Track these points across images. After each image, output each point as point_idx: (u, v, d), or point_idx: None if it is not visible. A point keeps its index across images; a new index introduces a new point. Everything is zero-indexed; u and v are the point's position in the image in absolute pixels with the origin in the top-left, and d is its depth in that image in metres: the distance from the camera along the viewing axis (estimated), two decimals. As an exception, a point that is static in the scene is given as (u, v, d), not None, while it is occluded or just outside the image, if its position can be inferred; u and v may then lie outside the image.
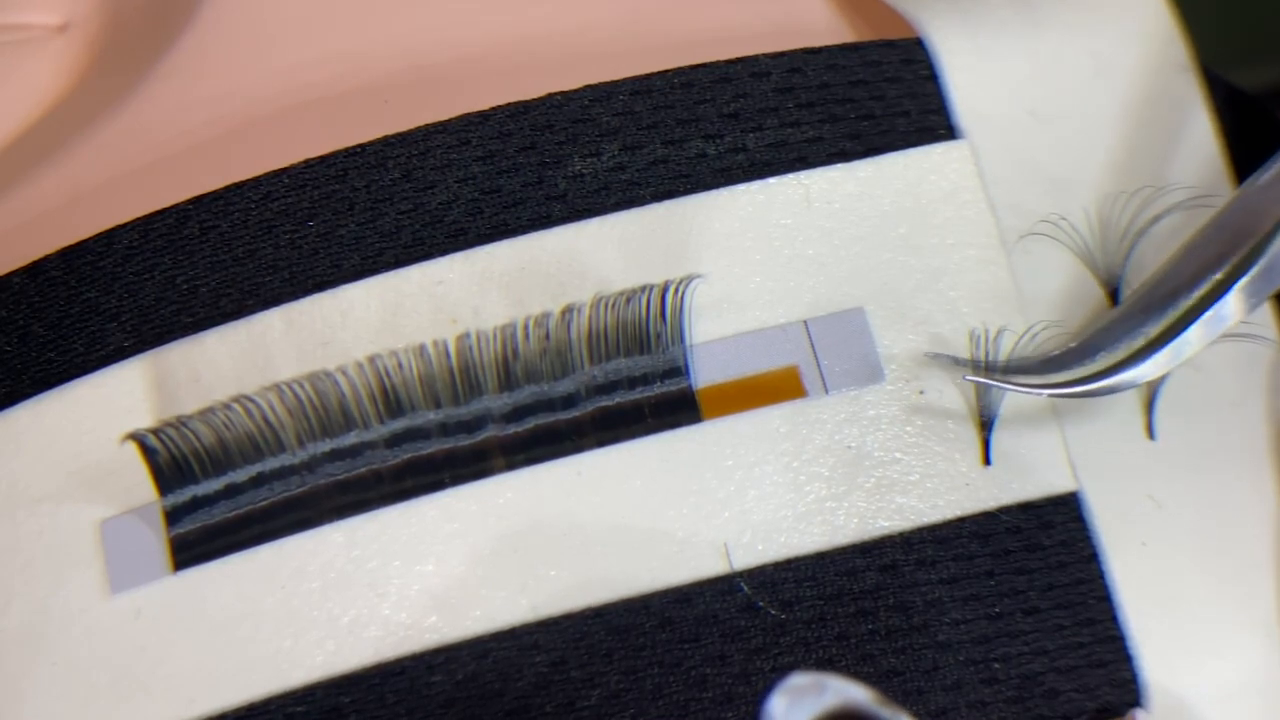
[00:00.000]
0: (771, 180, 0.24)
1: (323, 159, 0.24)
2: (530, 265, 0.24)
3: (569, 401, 0.23)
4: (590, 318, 0.23)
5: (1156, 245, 0.25)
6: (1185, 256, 0.23)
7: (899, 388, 0.24)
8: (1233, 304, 0.22)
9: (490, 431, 0.23)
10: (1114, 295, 0.25)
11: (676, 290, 0.23)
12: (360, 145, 0.24)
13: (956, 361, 0.23)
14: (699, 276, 0.23)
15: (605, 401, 0.23)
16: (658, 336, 0.23)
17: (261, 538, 0.23)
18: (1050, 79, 0.26)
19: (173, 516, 0.23)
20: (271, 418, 0.23)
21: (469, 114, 0.24)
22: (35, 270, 0.24)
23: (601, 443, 0.23)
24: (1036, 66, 0.26)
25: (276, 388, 0.23)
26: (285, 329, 0.23)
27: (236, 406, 0.23)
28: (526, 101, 0.24)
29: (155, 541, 0.23)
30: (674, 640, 0.23)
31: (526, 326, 0.23)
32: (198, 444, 0.23)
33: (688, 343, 0.23)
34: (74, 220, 0.24)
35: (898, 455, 0.23)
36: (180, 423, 0.23)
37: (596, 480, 0.23)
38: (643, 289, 0.23)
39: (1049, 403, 0.24)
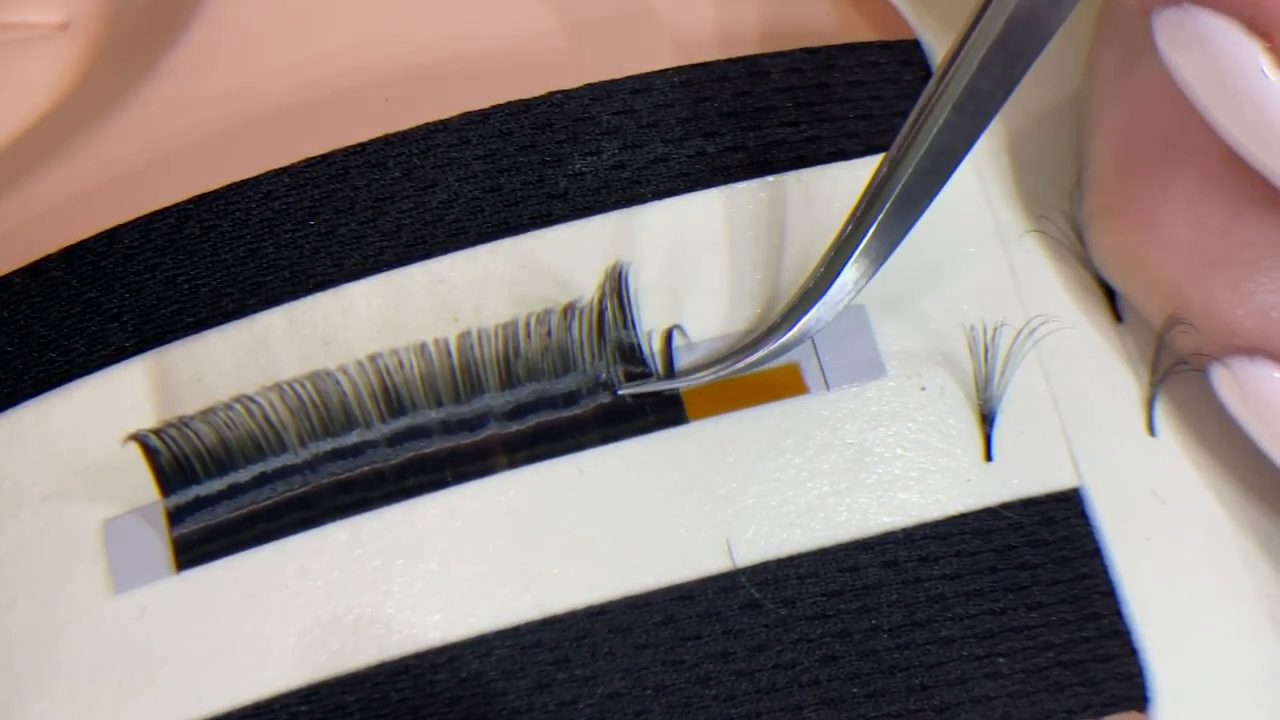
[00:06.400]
0: (771, 178, 0.24)
1: (323, 158, 0.24)
2: (532, 263, 0.24)
3: (571, 399, 0.23)
4: (591, 315, 0.23)
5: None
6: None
7: (900, 384, 0.24)
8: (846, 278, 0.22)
9: (492, 429, 0.23)
10: (1110, 291, 0.25)
11: (617, 290, 0.23)
12: (361, 144, 0.24)
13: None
14: (627, 267, 0.23)
15: (607, 399, 0.23)
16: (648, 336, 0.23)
17: (264, 537, 0.23)
18: (1046, 80, 0.26)
19: (175, 516, 0.23)
20: (274, 417, 0.23)
21: (469, 113, 0.24)
22: (36, 270, 0.24)
23: (604, 440, 0.23)
24: (1033, 67, 0.26)
25: (278, 387, 0.23)
26: (287, 328, 0.23)
27: (238, 406, 0.23)
28: (527, 100, 0.24)
29: (158, 541, 0.23)
30: (676, 638, 0.23)
31: (528, 324, 0.23)
32: (200, 444, 0.23)
33: (641, 339, 0.23)
34: (75, 220, 0.24)
35: (899, 451, 0.23)
36: (182, 423, 0.23)
37: (599, 477, 0.23)
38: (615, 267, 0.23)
39: (1051, 399, 0.24)
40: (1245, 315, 0.22)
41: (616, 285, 0.23)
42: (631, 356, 0.23)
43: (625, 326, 0.23)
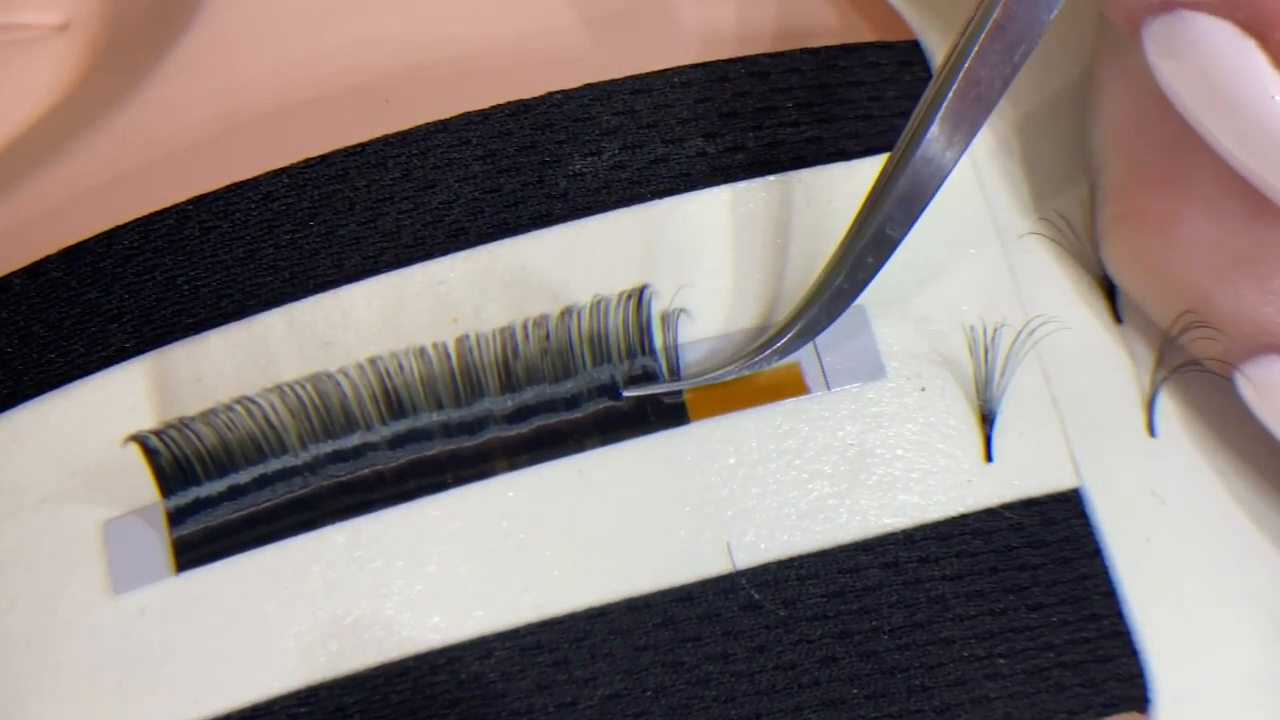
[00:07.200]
0: (771, 178, 0.24)
1: (323, 158, 0.24)
2: (531, 264, 0.24)
3: (571, 402, 0.23)
4: (591, 318, 0.23)
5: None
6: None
7: (900, 385, 0.24)
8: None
9: (492, 432, 0.23)
10: (1110, 292, 0.25)
11: (640, 300, 0.23)
12: (360, 144, 0.24)
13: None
14: (649, 286, 0.24)
15: (607, 401, 0.23)
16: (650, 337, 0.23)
17: (264, 539, 0.23)
18: (1045, 81, 0.26)
19: (175, 517, 0.23)
20: (274, 419, 0.23)
21: (469, 113, 0.24)
22: (36, 271, 0.24)
23: (604, 442, 0.23)
24: (1032, 68, 0.26)
25: (278, 389, 0.23)
26: (287, 329, 0.23)
27: (238, 407, 0.23)
28: (527, 100, 0.24)
29: (158, 542, 0.23)
30: (676, 639, 0.23)
31: (526, 327, 0.23)
32: (200, 445, 0.23)
33: (659, 347, 0.23)
34: (75, 220, 0.24)
35: (899, 452, 0.23)
36: (182, 424, 0.23)
37: (599, 480, 0.23)
38: (639, 290, 0.23)
39: (1051, 399, 0.24)
40: (1275, 313, 0.22)
41: (639, 309, 0.23)
42: (646, 377, 0.23)
43: (644, 352, 0.23)
